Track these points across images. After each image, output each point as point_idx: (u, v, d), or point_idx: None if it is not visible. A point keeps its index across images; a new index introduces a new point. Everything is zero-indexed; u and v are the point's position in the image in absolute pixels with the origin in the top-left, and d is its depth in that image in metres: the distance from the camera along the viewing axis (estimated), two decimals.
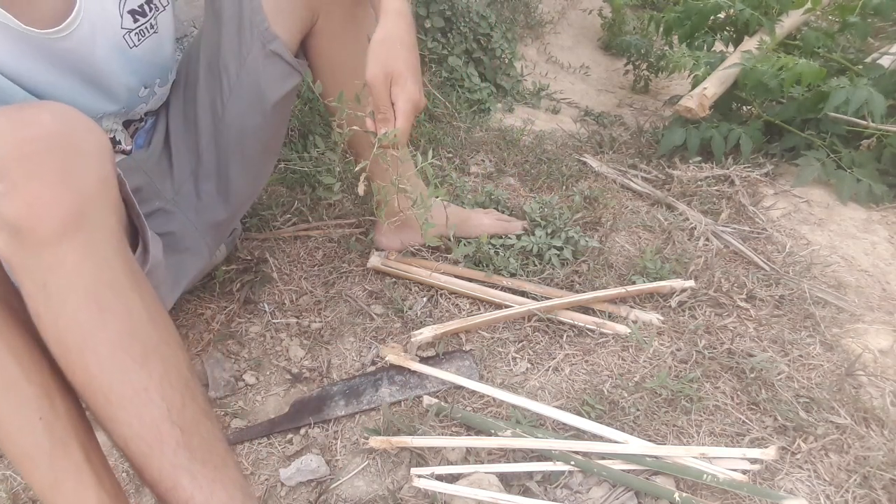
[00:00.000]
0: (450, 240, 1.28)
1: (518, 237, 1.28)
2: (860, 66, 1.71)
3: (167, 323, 0.67)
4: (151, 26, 0.88)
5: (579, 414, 0.97)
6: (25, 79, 0.76)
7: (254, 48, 0.94)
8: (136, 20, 0.86)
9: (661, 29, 1.99)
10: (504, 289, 1.19)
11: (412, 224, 1.22)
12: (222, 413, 0.99)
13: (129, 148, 0.98)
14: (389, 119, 0.80)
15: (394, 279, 1.21)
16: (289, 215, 1.35)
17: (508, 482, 0.89)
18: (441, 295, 1.19)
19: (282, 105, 1.00)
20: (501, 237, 1.28)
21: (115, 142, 0.95)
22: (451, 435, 0.95)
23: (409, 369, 1.03)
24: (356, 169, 0.88)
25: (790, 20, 1.86)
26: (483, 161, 1.60)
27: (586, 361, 1.08)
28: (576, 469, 0.89)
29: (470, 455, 0.92)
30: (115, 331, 0.61)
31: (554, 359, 1.08)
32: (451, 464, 0.90)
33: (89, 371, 0.61)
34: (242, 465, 0.92)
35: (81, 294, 0.60)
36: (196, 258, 1.01)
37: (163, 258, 0.86)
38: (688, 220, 1.42)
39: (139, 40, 0.87)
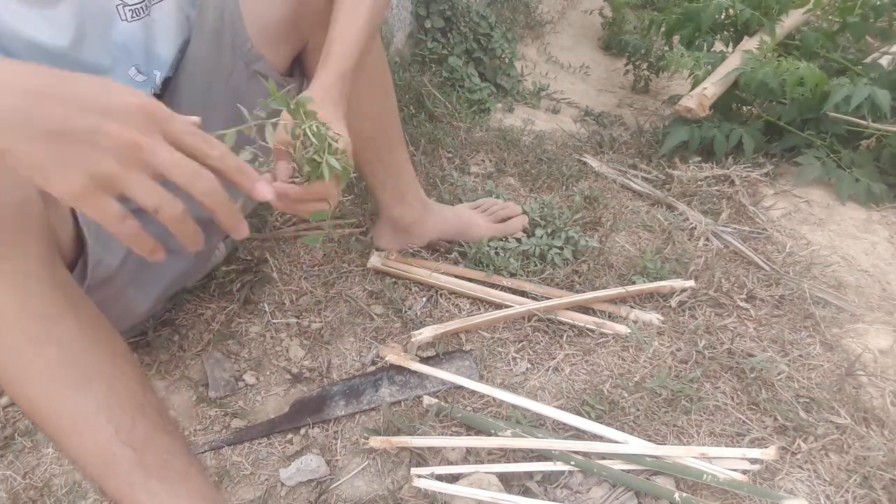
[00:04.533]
0: (448, 243, 1.28)
1: (518, 240, 1.28)
2: (860, 66, 1.71)
3: (112, 341, 0.66)
4: (145, 9, 0.85)
5: (579, 414, 0.97)
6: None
7: (237, 68, 0.91)
8: None
9: (663, 30, 1.98)
10: (504, 289, 1.19)
11: (411, 227, 1.21)
12: (222, 413, 0.99)
13: None
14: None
15: (394, 279, 1.21)
16: (289, 215, 1.35)
17: (508, 482, 0.89)
18: (441, 295, 1.19)
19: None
20: (502, 239, 1.28)
21: None
22: (451, 435, 0.95)
23: (409, 369, 1.03)
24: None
25: (790, 20, 1.86)
26: (483, 161, 1.60)
27: (586, 361, 1.08)
28: (576, 469, 0.89)
29: (470, 455, 0.92)
30: (51, 360, 0.60)
31: (554, 359, 1.08)
32: (451, 464, 0.90)
33: (32, 402, 0.61)
34: (242, 465, 0.92)
35: (8, 328, 0.59)
36: (178, 259, 0.99)
37: (125, 264, 0.83)
38: (688, 220, 1.42)
39: (132, 16, 0.83)
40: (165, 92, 1.00)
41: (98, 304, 0.68)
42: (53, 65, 0.49)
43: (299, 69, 1.00)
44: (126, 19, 0.84)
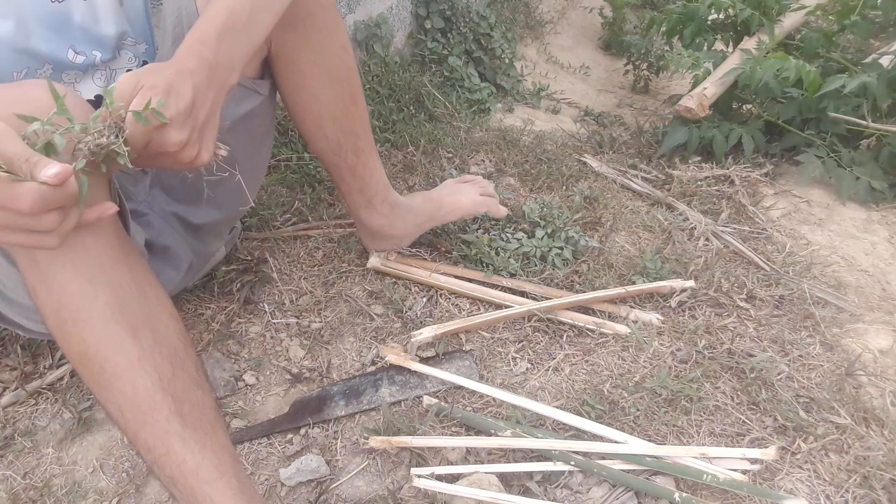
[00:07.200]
0: (442, 240, 1.27)
1: (518, 240, 1.28)
2: (860, 66, 1.71)
3: (158, 295, 0.69)
4: None
5: (579, 414, 0.97)
6: None
7: None
8: None
9: (663, 30, 1.99)
10: (504, 289, 1.19)
11: (380, 230, 1.19)
12: (222, 413, 0.98)
13: None
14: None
15: (394, 279, 1.21)
16: (289, 215, 1.35)
17: (508, 482, 0.89)
18: (441, 295, 1.19)
19: (246, 124, 0.94)
20: (502, 240, 1.28)
21: None
22: (451, 435, 0.95)
23: (409, 369, 1.03)
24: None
25: (790, 20, 1.86)
26: (483, 161, 1.60)
27: (586, 361, 1.08)
28: (576, 469, 0.89)
29: (470, 455, 0.92)
30: (106, 303, 0.64)
31: (554, 359, 1.08)
32: (451, 464, 0.90)
33: (85, 342, 0.64)
34: (242, 465, 0.92)
35: (70, 268, 0.62)
36: (173, 260, 0.98)
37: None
38: (688, 220, 1.42)
39: None
40: None
41: None
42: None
43: (269, 71, 0.97)
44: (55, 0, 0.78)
